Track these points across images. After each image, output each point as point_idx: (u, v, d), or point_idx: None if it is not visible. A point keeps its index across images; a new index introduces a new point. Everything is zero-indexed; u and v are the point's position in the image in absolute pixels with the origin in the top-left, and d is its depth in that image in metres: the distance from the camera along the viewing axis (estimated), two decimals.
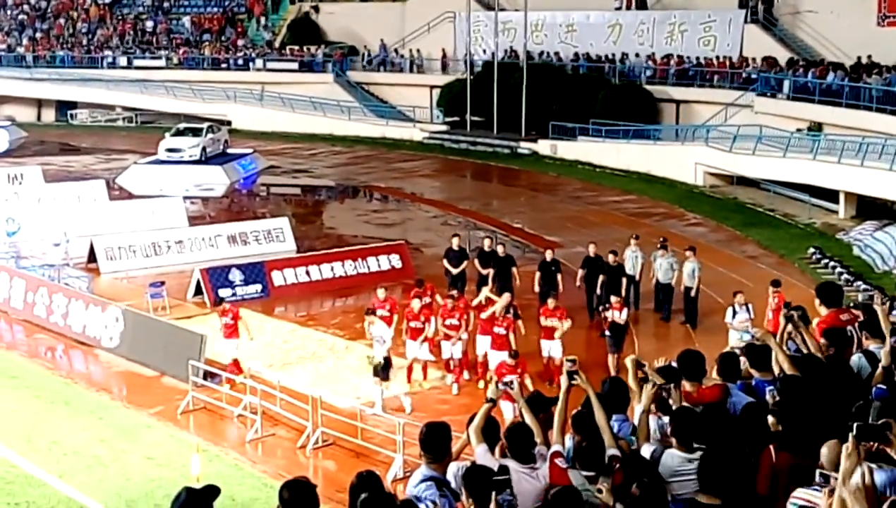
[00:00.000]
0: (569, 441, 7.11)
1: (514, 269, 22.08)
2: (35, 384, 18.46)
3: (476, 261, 22.57)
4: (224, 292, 23.43)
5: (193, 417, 17.32)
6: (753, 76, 41.02)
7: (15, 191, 33.83)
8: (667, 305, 22.25)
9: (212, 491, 5.80)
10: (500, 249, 22.79)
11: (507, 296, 18.34)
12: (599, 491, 6.23)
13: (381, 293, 19.60)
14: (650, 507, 6.04)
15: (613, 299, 19.01)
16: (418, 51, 51.63)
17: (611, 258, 21.76)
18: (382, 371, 17.08)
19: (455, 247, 22.92)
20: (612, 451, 6.83)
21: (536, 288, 21.67)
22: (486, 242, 23.27)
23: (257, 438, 16.31)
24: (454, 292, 19.72)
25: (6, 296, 23.09)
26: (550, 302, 18.78)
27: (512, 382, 8.18)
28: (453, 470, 6.76)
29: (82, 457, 15.32)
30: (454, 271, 22.44)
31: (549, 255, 22.60)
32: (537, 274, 21.94)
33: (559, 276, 21.91)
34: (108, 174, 37.75)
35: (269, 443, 16.16)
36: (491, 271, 21.91)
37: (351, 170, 41.72)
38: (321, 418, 16.10)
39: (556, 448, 7.00)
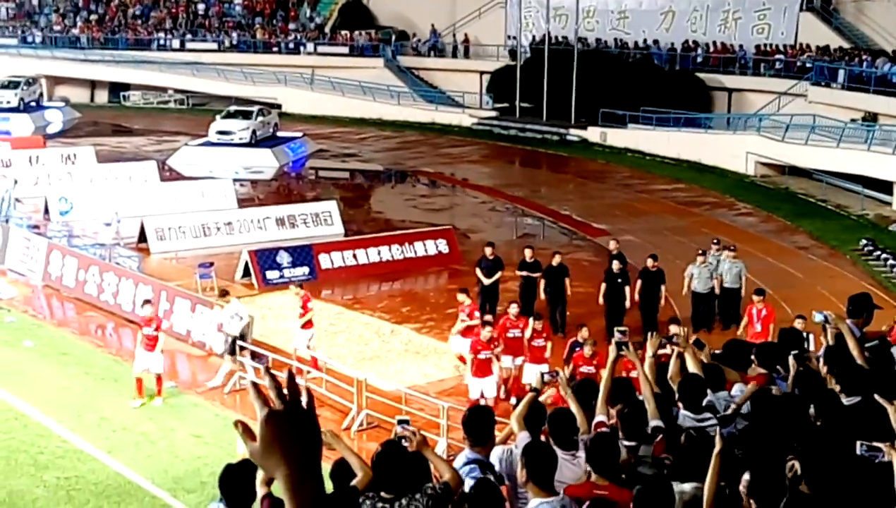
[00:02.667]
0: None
1: (567, 281, 20.27)
2: (85, 361, 18.74)
3: (518, 271, 20.76)
4: (272, 274, 23.61)
5: (240, 397, 17.48)
6: (808, 65, 40.39)
7: (68, 171, 34.31)
8: (708, 318, 20.25)
9: (249, 465, 5.91)
10: (556, 259, 20.50)
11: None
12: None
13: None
14: (694, 461, 5.98)
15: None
16: (467, 36, 51.47)
17: (650, 262, 20.14)
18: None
19: (489, 256, 20.97)
20: (655, 422, 6.84)
21: (543, 296, 20.13)
22: (528, 252, 21.00)
23: None
24: (488, 317, 17.75)
25: (58, 274, 23.45)
26: (537, 324, 16.97)
27: (557, 372, 8.21)
28: (497, 454, 6.81)
29: (131, 434, 15.54)
30: (487, 281, 20.65)
31: (556, 259, 20.58)
32: (542, 283, 20.19)
33: (567, 282, 20.24)
34: (160, 155, 38.13)
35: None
36: (541, 281, 20.17)
37: (399, 155, 41.76)
38: (366, 400, 16.18)
39: (599, 418, 7.03)
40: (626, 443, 6.62)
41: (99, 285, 22.30)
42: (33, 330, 20.68)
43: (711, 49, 44.78)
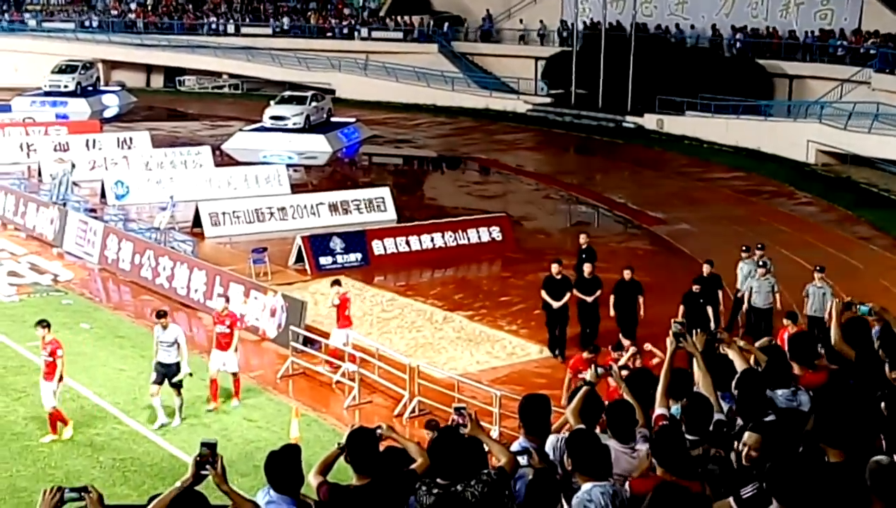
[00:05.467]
0: (676, 408, 6.94)
1: (641, 298, 18.47)
2: (141, 344, 18.82)
3: (576, 291, 18.68)
4: (324, 260, 23.61)
5: (293, 382, 17.49)
6: (872, 52, 39.48)
7: (124, 155, 34.63)
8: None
9: (292, 450, 6.08)
10: (626, 274, 18.63)
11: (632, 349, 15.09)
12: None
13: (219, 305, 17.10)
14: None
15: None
16: (522, 21, 51.11)
17: (705, 268, 18.86)
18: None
19: (555, 274, 18.57)
20: (718, 416, 6.70)
21: (612, 313, 18.41)
22: (587, 268, 18.97)
23: (355, 405, 16.38)
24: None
25: (114, 258, 23.66)
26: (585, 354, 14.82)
27: (611, 367, 8.13)
28: (551, 442, 6.74)
29: (184, 417, 15.58)
30: (556, 305, 18.36)
31: (627, 274, 18.67)
32: (612, 299, 18.44)
33: (641, 300, 18.33)
34: (214, 140, 38.35)
35: (366, 410, 16.20)
36: (611, 298, 18.48)
37: (453, 142, 41.58)
38: (418, 387, 16.09)
39: (660, 411, 6.89)
40: (690, 437, 6.42)
41: (154, 269, 22.46)
42: (90, 312, 20.87)
43: (772, 35, 43.96)
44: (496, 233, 25.86)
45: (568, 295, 18.46)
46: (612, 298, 18.46)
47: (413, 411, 15.92)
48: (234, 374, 16.39)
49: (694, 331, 7.81)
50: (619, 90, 42.64)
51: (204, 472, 5.39)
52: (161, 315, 15.79)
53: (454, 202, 31.30)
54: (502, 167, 37.41)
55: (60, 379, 14.96)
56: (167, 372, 15.44)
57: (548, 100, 46.63)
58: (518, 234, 26.41)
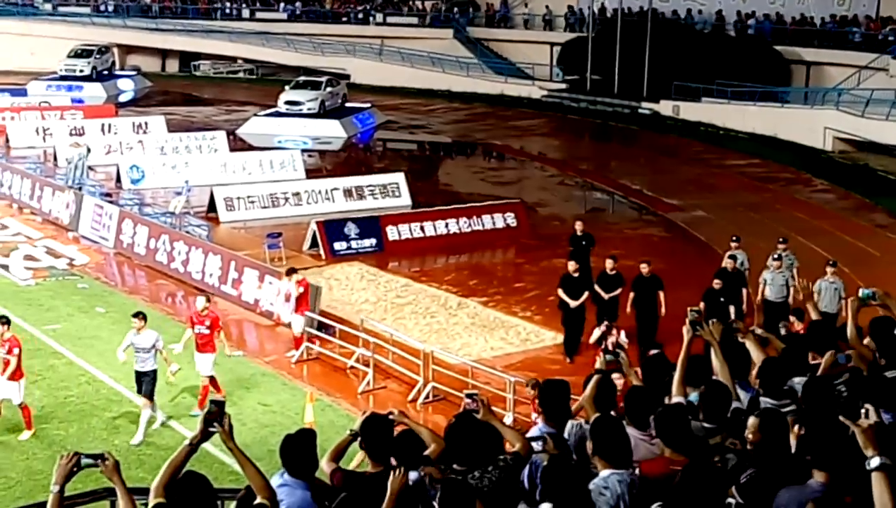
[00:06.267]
0: (694, 395, 6.90)
1: (661, 294, 17.59)
2: (155, 328, 18.69)
3: (598, 287, 18.08)
4: (339, 245, 23.63)
5: (307, 367, 17.52)
6: (890, 38, 39.18)
7: (140, 139, 34.70)
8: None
9: (307, 434, 6.13)
10: (644, 268, 17.88)
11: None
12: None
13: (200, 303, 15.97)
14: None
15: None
16: (528, 6, 50.93)
17: (728, 263, 18.21)
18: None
19: (573, 273, 17.87)
20: (736, 405, 6.67)
21: (630, 310, 17.75)
22: (609, 263, 18.23)
23: (369, 390, 16.41)
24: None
25: (130, 242, 23.72)
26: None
27: (618, 353, 8.10)
28: (568, 428, 6.74)
29: (197, 401, 15.62)
30: (573, 304, 17.61)
31: (645, 268, 17.88)
32: (630, 296, 17.72)
33: (661, 296, 17.55)
34: (229, 125, 38.36)
35: (380, 396, 16.22)
36: (630, 294, 17.81)
37: (468, 127, 41.49)
38: (432, 373, 16.10)
39: (676, 399, 6.85)
40: (707, 425, 6.39)
41: (169, 253, 22.51)
42: (105, 296, 20.94)
43: (790, 21, 43.66)
44: (511, 219, 25.81)
45: (586, 294, 17.63)
46: (631, 295, 17.69)
47: (427, 397, 15.93)
48: (210, 378, 15.47)
49: (710, 320, 7.77)
50: (634, 76, 42.45)
51: (212, 429, 5.51)
52: (137, 316, 14.88)
53: (469, 188, 31.24)
54: (517, 153, 37.33)
55: (16, 376, 14.42)
56: (143, 381, 14.58)
57: (563, 86, 46.48)
58: (533, 221, 26.35)
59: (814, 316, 9.90)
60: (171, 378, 15.07)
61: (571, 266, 17.92)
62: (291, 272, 18.39)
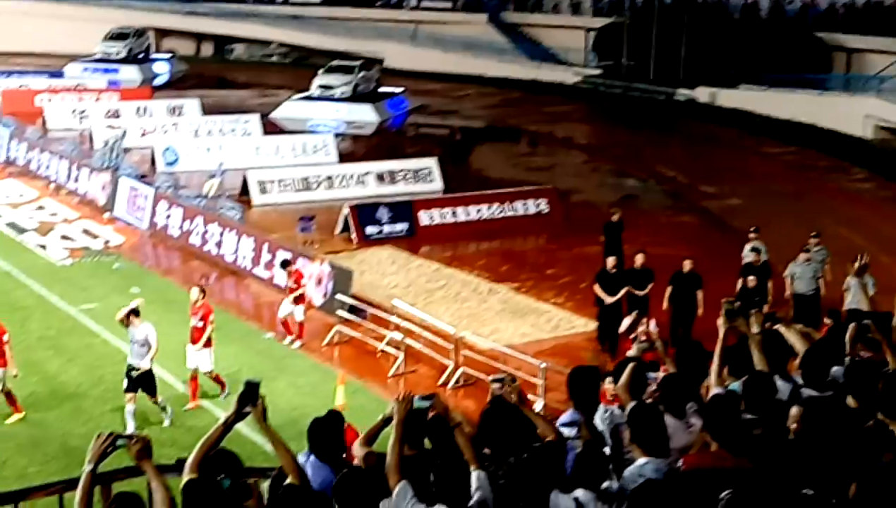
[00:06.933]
0: (736, 385, 6.84)
1: (700, 293, 17.00)
2: (188, 310, 18.99)
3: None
4: (371, 229, 23.66)
5: (339, 350, 17.58)
6: None
7: (174, 122, 34.89)
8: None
9: (335, 417, 6.36)
10: (686, 264, 17.30)
11: None
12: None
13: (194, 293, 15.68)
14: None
15: None
16: None
17: (752, 257, 17.75)
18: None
19: (610, 269, 17.45)
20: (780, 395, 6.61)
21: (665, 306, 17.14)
22: (639, 258, 17.68)
23: (399, 374, 16.43)
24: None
25: (164, 224, 23.89)
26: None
27: (654, 342, 8.03)
28: (599, 414, 6.74)
29: (231, 382, 15.69)
30: (609, 300, 17.21)
31: (639, 259, 17.46)
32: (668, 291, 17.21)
33: (700, 296, 16.89)
34: (263, 109, 38.40)
35: (410, 379, 16.23)
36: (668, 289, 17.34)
37: (501, 113, 41.36)
38: (463, 357, 16.08)
39: (715, 390, 6.81)
40: (749, 416, 6.30)
41: (203, 235, 22.64)
42: (140, 277, 21.10)
43: (832, 7, 43.12)
44: (543, 205, 25.72)
45: (624, 291, 17.10)
46: (668, 289, 17.19)
47: (457, 381, 15.93)
48: (209, 374, 15.30)
49: (750, 310, 7.68)
50: (671, 62, 42.09)
51: (246, 411, 5.56)
52: (132, 313, 14.33)
53: (501, 173, 31.16)
54: (550, 139, 37.17)
55: (3, 363, 14.39)
56: (138, 377, 14.21)
57: (598, 71, 46.17)
58: (565, 207, 26.22)
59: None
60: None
61: (610, 262, 17.46)
62: (287, 264, 18.29)
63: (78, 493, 5.15)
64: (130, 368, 14.25)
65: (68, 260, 22.29)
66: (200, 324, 15.20)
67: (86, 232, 24.38)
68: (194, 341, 15.23)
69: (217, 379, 15.42)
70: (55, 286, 20.18)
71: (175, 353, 16.80)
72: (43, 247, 23.12)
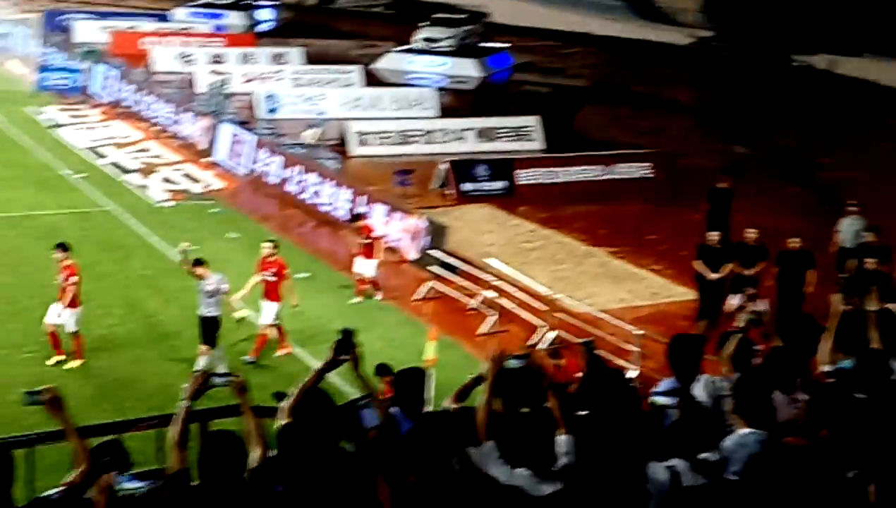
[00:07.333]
0: (847, 363, 6.53)
1: (811, 274, 15.97)
2: (286, 256, 19.02)
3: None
4: (468, 186, 23.39)
5: (430, 305, 17.42)
6: None
7: (277, 70, 35.04)
8: None
9: (418, 373, 6.48)
10: (793, 243, 16.13)
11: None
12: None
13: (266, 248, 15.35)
14: None
15: None
16: None
17: (869, 236, 16.65)
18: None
19: (714, 243, 16.33)
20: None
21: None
22: (750, 233, 16.45)
23: (490, 332, 16.20)
24: None
25: (263, 170, 23.99)
26: None
27: (762, 314, 7.77)
28: (702, 383, 6.62)
29: (323, 331, 15.66)
30: (711, 276, 16.13)
31: (751, 234, 16.28)
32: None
33: (809, 275, 15.94)
34: (365, 60, 38.35)
35: (500, 339, 15.96)
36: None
37: (607, 73, 40.52)
38: (556, 320, 15.78)
39: (826, 368, 6.60)
40: (860, 396, 5.97)
41: (300, 184, 22.68)
42: (237, 222, 21.24)
43: None
44: (647, 169, 25.15)
45: (729, 267, 16.04)
46: (775, 271, 16.13)
47: (549, 343, 15.62)
48: (275, 325, 15.06)
49: (870, 286, 7.33)
50: (787, 26, 40.58)
51: (342, 358, 5.70)
52: (197, 263, 14.22)
53: (605, 135, 30.53)
54: (658, 101, 36.27)
55: (74, 304, 14.28)
56: (205, 327, 14.17)
57: (710, 33, 44.90)
58: (670, 172, 25.56)
59: None
60: (237, 313, 14.42)
61: (713, 236, 16.36)
62: (357, 218, 18.16)
63: (175, 428, 5.18)
64: (203, 320, 14.16)
65: (169, 202, 22.57)
66: (274, 279, 14.94)
67: (186, 175, 24.67)
68: (269, 296, 14.92)
69: (263, 340, 14.98)
70: (155, 227, 20.47)
71: None
72: (145, 188, 23.47)
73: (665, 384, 6.55)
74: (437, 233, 18.77)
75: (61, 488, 5.10)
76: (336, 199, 21.53)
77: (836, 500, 4.99)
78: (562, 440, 5.47)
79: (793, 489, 4.99)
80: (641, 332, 14.66)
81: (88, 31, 40.16)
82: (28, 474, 6.44)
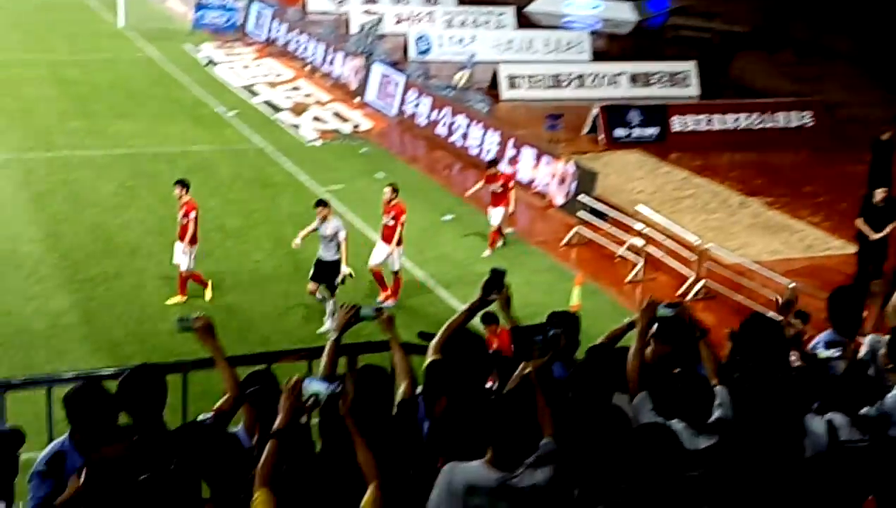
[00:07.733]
0: None
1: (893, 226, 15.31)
2: (430, 198, 19.11)
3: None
4: (620, 132, 22.91)
5: (577, 251, 17.19)
6: None
7: (429, 11, 34.97)
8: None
9: (571, 316, 6.29)
10: (879, 194, 15.38)
11: None
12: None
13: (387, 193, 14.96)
14: None
15: None
16: None
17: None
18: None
19: (879, 201, 15.31)
20: None
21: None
22: (878, 194, 15.45)
23: (637, 280, 15.90)
24: None
25: (412, 112, 24.06)
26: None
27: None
28: (868, 340, 6.46)
29: (467, 272, 15.68)
30: (874, 236, 15.24)
31: (879, 195, 15.34)
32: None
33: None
34: (518, 1, 37.81)
35: (647, 287, 15.63)
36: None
37: (770, 17, 38.86)
38: (706, 270, 15.36)
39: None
40: None
41: (449, 126, 22.65)
42: (385, 162, 21.38)
43: None
44: (807, 118, 24.16)
45: (892, 226, 15.23)
46: None
47: (698, 293, 15.22)
48: (396, 273, 14.84)
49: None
50: None
51: (491, 297, 5.72)
52: (320, 204, 14.22)
53: (764, 82, 29.37)
54: (820, 49, 34.64)
55: (193, 241, 14.35)
56: (324, 271, 13.96)
57: None
58: (831, 122, 24.43)
59: None
60: (346, 271, 14.07)
61: (879, 194, 15.34)
62: (492, 164, 17.75)
63: (323, 359, 5.30)
64: (320, 263, 14.03)
65: (318, 141, 22.90)
66: (392, 223, 14.72)
67: (336, 115, 24.95)
68: (386, 239, 14.76)
69: (381, 279, 14.83)
70: (305, 165, 20.80)
71: (415, 240, 16.99)
72: (296, 126, 23.87)
73: (827, 334, 6.39)
74: (585, 179, 18.46)
75: (211, 414, 5.23)
76: (484, 142, 21.41)
77: None
78: (717, 391, 5.31)
79: None
80: (794, 285, 14.08)
81: None
82: (179, 400, 6.60)
